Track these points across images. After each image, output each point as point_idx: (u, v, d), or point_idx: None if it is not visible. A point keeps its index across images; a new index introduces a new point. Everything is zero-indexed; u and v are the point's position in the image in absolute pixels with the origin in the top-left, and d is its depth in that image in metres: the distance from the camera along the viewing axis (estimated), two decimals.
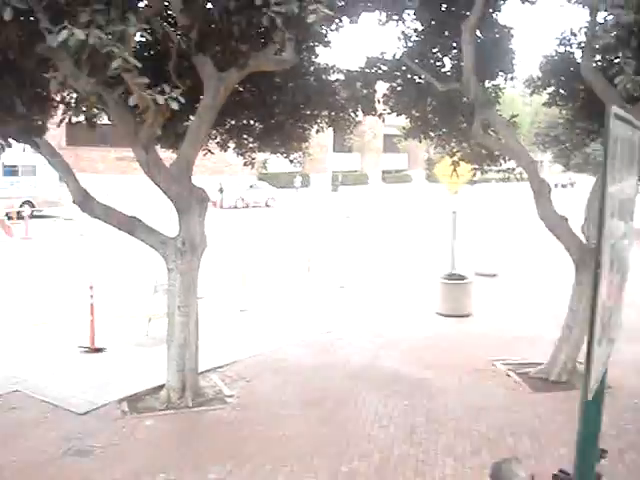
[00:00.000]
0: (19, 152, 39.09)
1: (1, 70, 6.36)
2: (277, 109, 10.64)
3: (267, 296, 16.40)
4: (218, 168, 40.79)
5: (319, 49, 10.63)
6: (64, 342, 12.06)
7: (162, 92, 6.08)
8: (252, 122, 11.14)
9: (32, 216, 30.28)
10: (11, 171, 33.65)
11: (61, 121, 8.33)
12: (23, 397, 9.66)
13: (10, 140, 8.31)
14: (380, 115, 11.64)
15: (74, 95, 9.21)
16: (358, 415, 9.21)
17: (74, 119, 8.57)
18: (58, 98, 9.09)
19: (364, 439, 8.44)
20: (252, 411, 9.31)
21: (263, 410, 9.35)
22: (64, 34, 5.47)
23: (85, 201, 9.19)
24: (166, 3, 7.94)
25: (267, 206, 43.52)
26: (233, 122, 11.02)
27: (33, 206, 33.18)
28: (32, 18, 6.31)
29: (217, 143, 11.53)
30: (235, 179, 43.04)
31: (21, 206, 32.33)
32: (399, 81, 11.34)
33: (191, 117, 9.44)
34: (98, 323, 11.88)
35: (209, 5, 7.65)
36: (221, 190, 41.52)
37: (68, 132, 42.33)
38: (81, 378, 10.44)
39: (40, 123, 8.43)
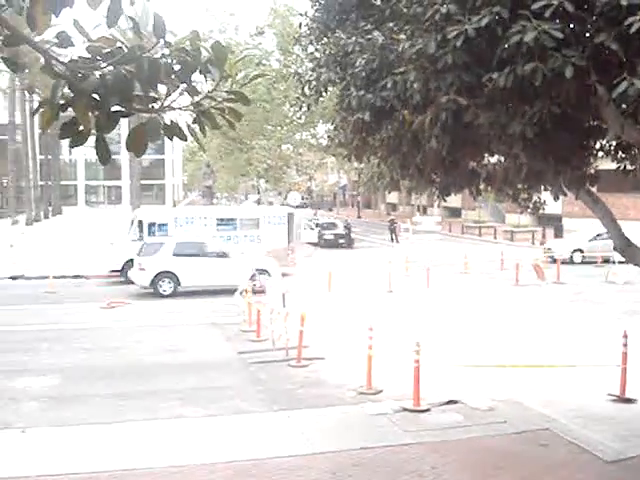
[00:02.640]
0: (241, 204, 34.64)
1: (560, 124, 6.82)
2: None
3: None
4: None
5: None
6: (593, 387, 12.08)
7: None
8: None
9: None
10: (226, 224, 29.21)
11: (617, 169, 8.54)
12: (552, 436, 10.04)
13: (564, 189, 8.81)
14: None
15: (612, 142, 9.36)
16: None
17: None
18: (597, 146, 9.34)
19: None
20: None
21: None
22: (623, 85, 5.67)
23: (627, 248, 9.25)
24: None
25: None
26: None
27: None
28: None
29: None
30: None
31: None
32: None
33: None
34: (630, 372, 11.62)
35: None
36: None
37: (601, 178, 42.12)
38: (609, 426, 10.36)
39: (593, 172, 8.76)
